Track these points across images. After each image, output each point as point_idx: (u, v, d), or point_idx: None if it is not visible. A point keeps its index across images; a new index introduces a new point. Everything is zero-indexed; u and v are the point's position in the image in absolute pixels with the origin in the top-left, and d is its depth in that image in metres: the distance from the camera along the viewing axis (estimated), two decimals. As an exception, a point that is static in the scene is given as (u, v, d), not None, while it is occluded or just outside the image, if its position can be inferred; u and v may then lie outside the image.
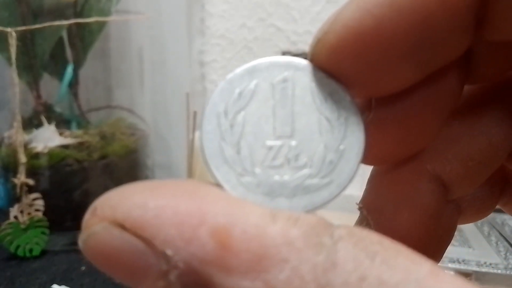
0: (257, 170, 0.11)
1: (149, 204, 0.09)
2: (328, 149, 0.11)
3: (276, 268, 0.08)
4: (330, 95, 0.12)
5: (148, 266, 0.09)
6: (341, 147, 0.11)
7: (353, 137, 0.12)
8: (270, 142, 0.12)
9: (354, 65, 0.11)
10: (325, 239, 0.09)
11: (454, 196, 0.14)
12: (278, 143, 0.12)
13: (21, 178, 0.51)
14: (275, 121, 0.12)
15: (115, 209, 0.09)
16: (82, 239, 0.10)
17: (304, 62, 0.12)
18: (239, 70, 0.12)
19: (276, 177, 0.11)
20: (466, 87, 0.13)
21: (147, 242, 0.09)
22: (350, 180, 0.12)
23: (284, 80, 0.12)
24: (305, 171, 0.11)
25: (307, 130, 0.12)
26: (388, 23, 0.10)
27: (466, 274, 0.41)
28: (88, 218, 0.10)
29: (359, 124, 0.12)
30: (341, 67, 0.11)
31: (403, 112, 0.12)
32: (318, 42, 0.11)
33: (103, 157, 0.55)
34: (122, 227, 0.09)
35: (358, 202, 0.14)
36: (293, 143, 0.12)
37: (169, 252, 0.09)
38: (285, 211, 0.09)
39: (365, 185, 0.14)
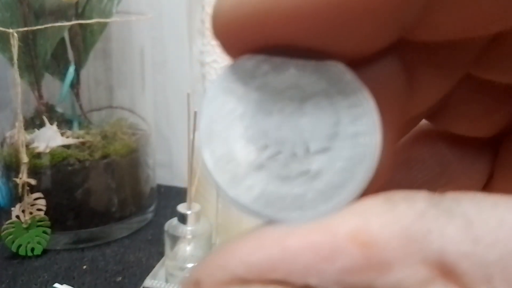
0: None
1: (264, 246, 0.09)
2: None
3: (426, 239, 0.08)
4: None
5: None
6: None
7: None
8: None
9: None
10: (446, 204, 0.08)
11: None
12: None
13: (23, 177, 0.51)
14: None
15: (226, 267, 0.09)
16: None
17: None
18: None
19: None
20: None
21: (282, 282, 0.08)
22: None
23: None
24: None
25: None
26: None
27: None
28: None
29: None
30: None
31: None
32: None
33: (104, 156, 0.55)
34: (245, 281, 0.09)
35: None
36: None
37: (313, 280, 0.08)
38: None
39: None
